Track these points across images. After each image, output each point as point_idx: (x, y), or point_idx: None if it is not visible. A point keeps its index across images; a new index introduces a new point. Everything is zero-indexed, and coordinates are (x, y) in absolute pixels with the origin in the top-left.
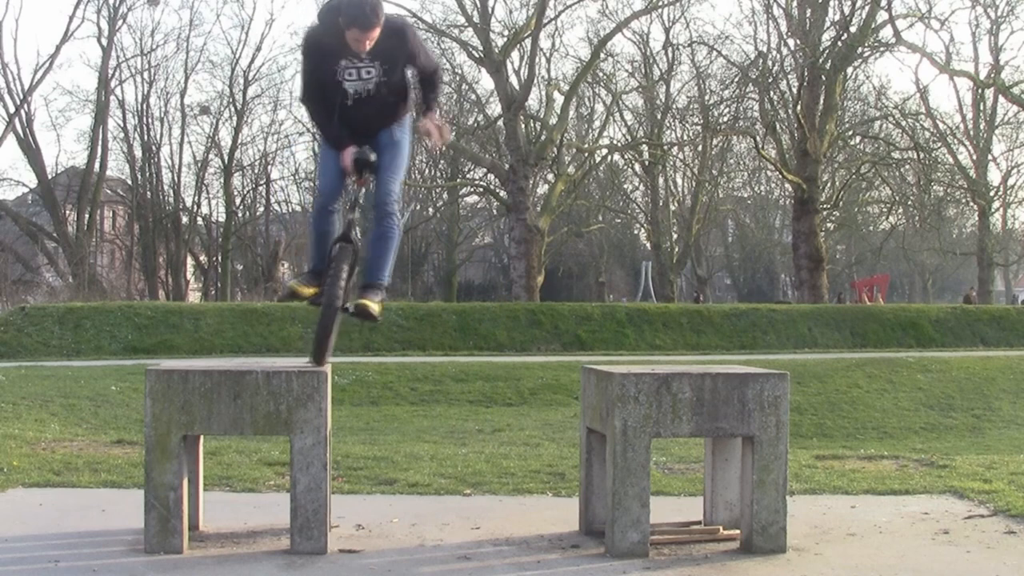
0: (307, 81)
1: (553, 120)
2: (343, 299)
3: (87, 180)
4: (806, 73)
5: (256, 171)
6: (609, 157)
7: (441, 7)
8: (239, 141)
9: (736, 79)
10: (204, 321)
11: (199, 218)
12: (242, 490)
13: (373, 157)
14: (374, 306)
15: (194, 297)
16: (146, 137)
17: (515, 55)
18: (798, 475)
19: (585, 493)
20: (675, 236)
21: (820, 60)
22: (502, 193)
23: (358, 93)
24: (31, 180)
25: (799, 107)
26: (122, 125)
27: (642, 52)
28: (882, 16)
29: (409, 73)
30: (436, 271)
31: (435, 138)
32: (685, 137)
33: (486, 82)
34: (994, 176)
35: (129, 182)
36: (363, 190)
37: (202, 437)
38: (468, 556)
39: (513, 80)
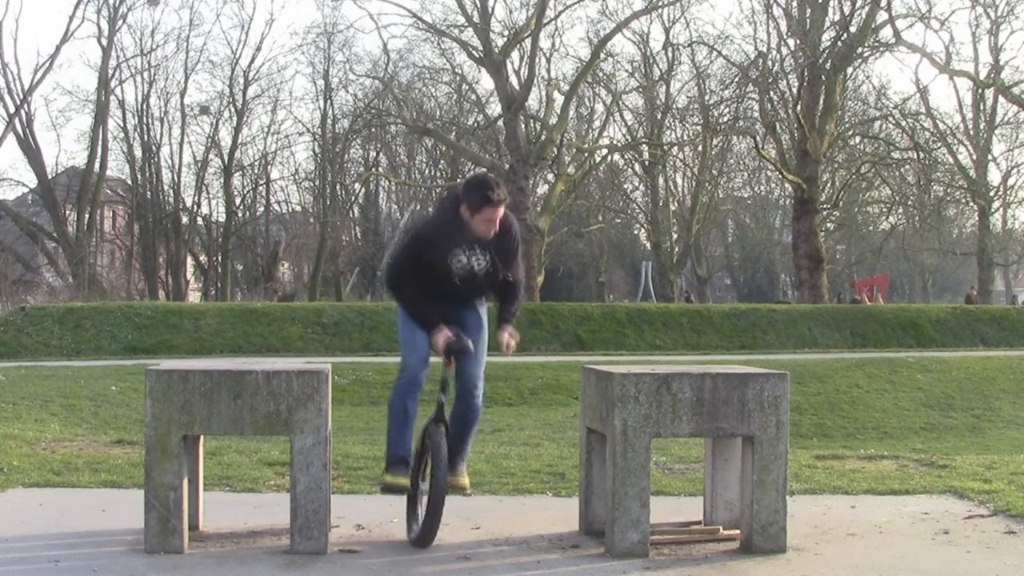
0: (410, 268)
1: (553, 120)
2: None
3: (87, 180)
4: (806, 73)
5: (256, 171)
6: (609, 157)
7: (441, 7)
8: (239, 141)
9: (736, 79)
10: (204, 321)
11: (199, 218)
12: (242, 490)
13: (470, 345)
14: (464, 481)
15: (194, 297)
16: (146, 137)
17: (515, 55)
18: (798, 475)
19: (585, 493)
20: (675, 236)
21: (820, 60)
22: None
23: (463, 274)
24: (31, 180)
25: (799, 107)
26: (122, 125)
27: (642, 52)
28: (882, 16)
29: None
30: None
31: (507, 350)
32: (685, 137)
33: (486, 82)
34: (994, 176)
35: (129, 182)
36: (450, 371)
37: (202, 437)
38: (468, 556)
39: (513, 80)
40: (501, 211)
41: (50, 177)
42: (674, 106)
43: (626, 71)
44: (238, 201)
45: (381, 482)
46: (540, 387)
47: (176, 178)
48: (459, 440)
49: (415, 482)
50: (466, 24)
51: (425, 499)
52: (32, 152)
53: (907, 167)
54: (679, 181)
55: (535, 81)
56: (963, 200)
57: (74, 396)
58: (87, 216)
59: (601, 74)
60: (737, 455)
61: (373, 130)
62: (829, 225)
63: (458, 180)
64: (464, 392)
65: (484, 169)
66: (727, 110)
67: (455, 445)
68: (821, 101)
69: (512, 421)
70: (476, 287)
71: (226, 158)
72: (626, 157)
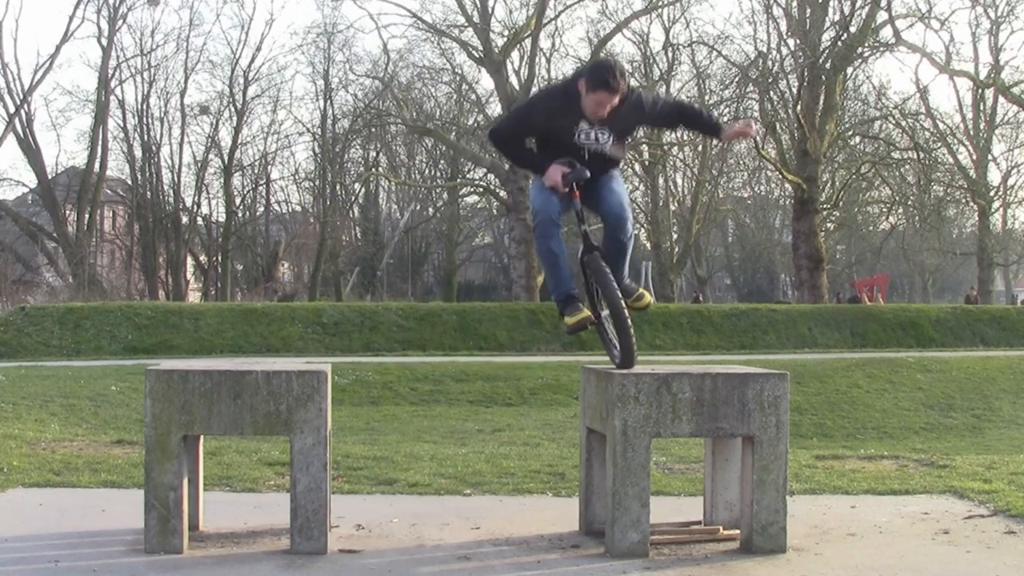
0: (528, 126)
1: None
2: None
3: (87, 180)
4: (806, 73)
5: (256, 171)
6: None
7: (441, 7)
8: (239, 141)
9: (736, 79)
10: (204, 321)
11: (199, 218)
12: (242, 490)
13: (585, 172)
14: (647, 300)
15: (194, 297)
16: (146, 137)
17: (515, 55)
18: (798, 475)
19: (585, 493)
20: (675, 236)
21: (820, 60)
22: (502, 193)
23: (590, 151)
24: (31, 180)
25: (799, 107)
26: (122, 125)
27: (642, 52)
28: (882, 16)
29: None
30: (436, 271)
31: (743, 130)
32: (685, 137)
33: (486, 82)
34: (994, 176)
35: (129, 182)
36: (579, 201)
37: (202, 437)
38: (468, 556)
39: (513, 80)
40: (615, 99)
41: (50, 177)
42: None
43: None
44: (238, 201)
45: (564, 327)
46: (540, 387)
47: (176, 178)
48: (617, 268)
49: (596, 312)
50: (466, 24)
51: (610, 324)
52: (32, 152)
53: (907, 167)
54: (679, 181)
55: (535, 81)
56: (963, 200)
57: (74, 396)
58: (87, 216)
59: None
60: (737, 455)
61: (373, 130)
62: (829, 225)
63: (458, 180)
64: (611, 224)
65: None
66: (727, 110)
67: (616, 273)
68: (821, 101)
69: (512, 421)
70: (602, 163)
71: (226, 158)
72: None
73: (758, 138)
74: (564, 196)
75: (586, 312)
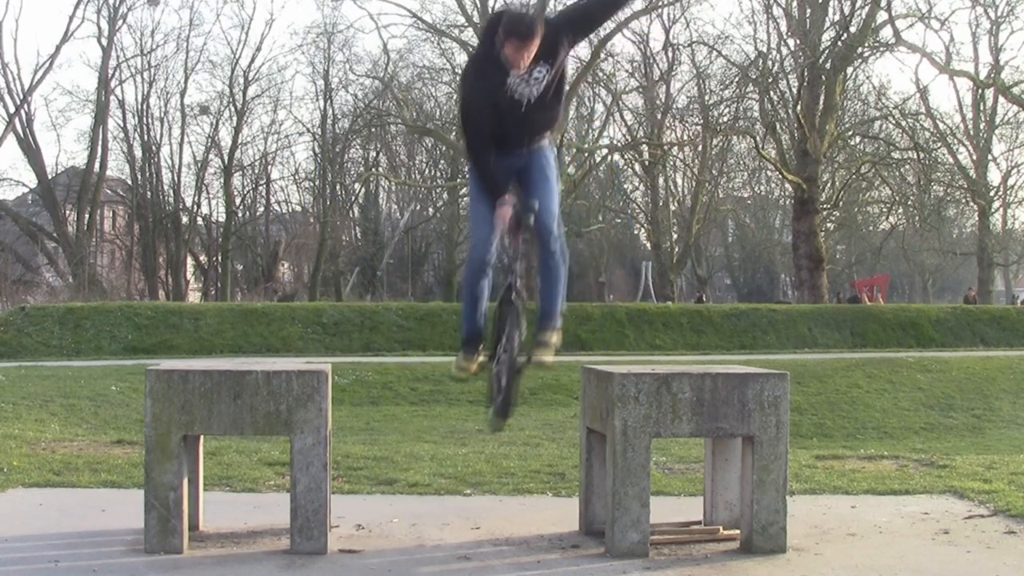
0: (475, 105)
1: None
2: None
3: (87, 180)
4: (806, 73)
5: (256, 171)
6: (609, 157)
7: (441, 7)
8: (239, 141)
9: (736, 79)
10: (204, 321)
11: (199, 218)
12: (242, 490)
13: (536, 206)
14: (550, 355)
15: (194, 297)
16: (146, 137)
17: None
18: (798, 475)
19: (585, 493)
20: (675, 236)
21: (820, 60)
22: None
23: (529, 99)
24: (31, 180)
25: (799, 107)
26: (122, 125)
27: (642, 52)
28: (882, 16)
29: (569, 67)
30: (436, 271)
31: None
32: (685, 137)
33: None
34: (994, 176)
35: (129, 182)
36: (521, 242)
37: (202, 437)
38: (468, 556)
39: None
40: (533, 47)
41: (50, 177)
42: (674, 106)
43: (626, 71)
44: (238, 201)
45: (455, 365)
46: (540, 387)
47: (176, 178)
48: (547, 294)
49: (495, 351)
50: (466, 24)
51: (505, 369)
52: (32, 152)
53: (907, 167)
54: (679, 181)
55: None
56: (963, 200)
57: (74, 396)
58: (87, 216)
59: (601, 74)
60: (737, 455)
61: (373, 130)
62: (829, 225)
63: (458, 180)
64: (541, 241)
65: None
66: (727, 110)
67: (544, 301)
68: (821, 101)
69: (512, 421)
70: (543, 113)
71: (226, 158)
72: (626, 157)
73: (758, 138)
74: (506, 233)
75: (477, 364)
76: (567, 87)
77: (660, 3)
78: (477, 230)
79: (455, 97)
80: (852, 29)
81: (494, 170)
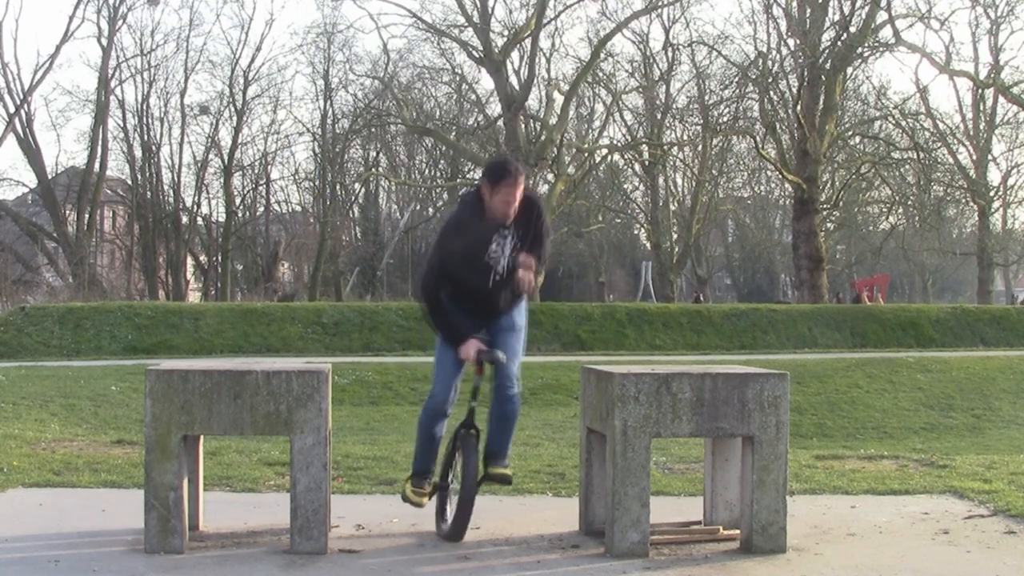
0: (448, 269)
1: (553, 120)
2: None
3: (87, 180)
4: (806, 73)
5: (256, 171)
6: (609, 157)
7: (441, 7)
8: (239, 141)
9: (736, 79)
10: (204, 321)
11: (199, 218)
12: (242, 490)
13: (501, 357)
14: (508, 472)
15: (194, 297)
16: (146, 137)
17: (515, 55)
18: (798, 475)
19: (585, 493)
20: (675, 236)
21: (820, 60)
22: None
23: (498, 273)
24: (31, 180)
25: (799, 107)
26: (122, 125)
27: (642, 52)
28: (882, 16)
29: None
30: None
31: (524, 281)
32: (685, 137)
33: (486, 82)
34: (994, 176)
35: (129, 182)
36: (482, 378)
37: (202, 437)
38: (468, 556)
39: (513, 80)
40: (519, 189)
41: (50, 177)
42: (674, 106)
43: (626, 71)
44: (238, 201)
45: (402, 491)
46: (540, 387)
47: (176, 178)
48: (499, 439)
49: (444, 483)
50: (466, 24)
51: (455, 497)
52: (32, 152)
53: (907, 167)
54: (679, 181)
55: (535, 81)
56: (963, 200)
57: (74, 396)
58: (87, 216)
59: (601, 74)
60: (737, 455)
61: (373, 130)
62: (829, 225)
63: (458, 180)
64: (498, 389)
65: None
66: (727, 110)
67: (494, 443)
68: (821, 101)
69: None
70: (511, 288)
71: (226, 158)
72: (626, 157)
73: (758, 138)
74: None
75: (424, 500)
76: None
77: (660, 3)
78: (440, 376)
79: (428, 253)
80: (852, 29)
81: (459, 323)
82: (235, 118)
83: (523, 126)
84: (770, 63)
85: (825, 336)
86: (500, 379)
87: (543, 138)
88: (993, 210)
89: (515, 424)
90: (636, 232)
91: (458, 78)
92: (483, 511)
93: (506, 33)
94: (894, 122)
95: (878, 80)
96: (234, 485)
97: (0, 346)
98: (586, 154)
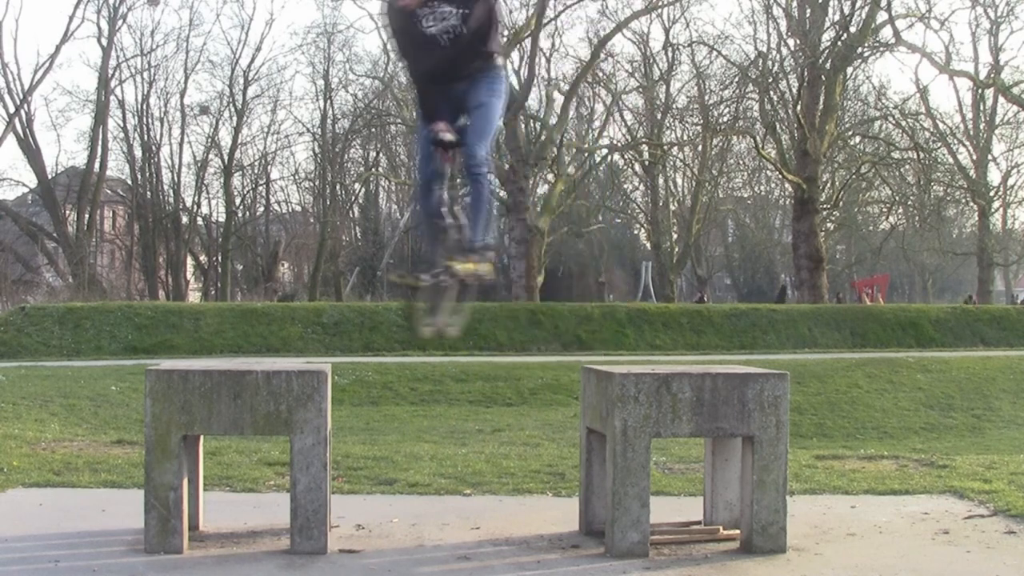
0: (397, 42)
1: (553, 120)
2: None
3: (87, 180)
4: (806, 73)
5: (256, 171)
6: (609, 157)
7: None
8: (239, 141)
9: (736, 79)
10: (204, 321)
11: (199, 218)
12: (242, 490)
13: (449, 137)
14: (475, 267)
15: (194, 297)
16: (146, 137)
17: (515, 55)
18: (798, 475)
19: (585, 493)
20: (675, 236)
21: (820, 60)
22: (502, 193)
23: (446, 33)
24: (31, 180)
25: (799, 107)
26: (122, 125)
27: (642, 52)
28: (882, 16)
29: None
30: None
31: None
32: (685, 137)
33: None
34: (994, 176)
35: (129, 182)
36: (450, 165)
37: (202, 437)
38: (468, 556)
39: (513, 80)
40: None
41: (50, 177)
42: (674, 106)
43: (626, 71)
44: (238, 201)
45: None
46: (540, 387)
47: (176, 178)
48: (472, 223)
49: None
50: None
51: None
52: (32, 152)
53: (907, 167)
54: (679, 181)
55: (535, 81)
56: (963, 200)
57: (74, 396)
58: (87, 216)
59: (601, 74)
60: (737, 455)
61: (373, 130)
62: (829, 225)
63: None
64: (464, 170)
65: None
66: (727, 110)
67: (465, 230)
68: (821, 101)
69: (512, 421)
70: (466, 47)
71: (226, 158)
72: (626, 157)
73: (758, 138)
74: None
75: (409, 280)
76: (499, 20)
77: (660, 3)
78: (419, 152)
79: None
80: (852, 29)
81: (434, 98)
82: (235, 118)
83: (523, 126)
84: (770, 63)
85: (825, 336)
86: (465, 159)
87: (543, 138)
88: (993, 210)
89: (485, 207)
90: (636, 232)
91: None
92: (483, 511)
93: (506, 33)
94: (894, 122)
95: (878, 80)
96: (234, 485)
97: (0, 346)
98: (586, 154)
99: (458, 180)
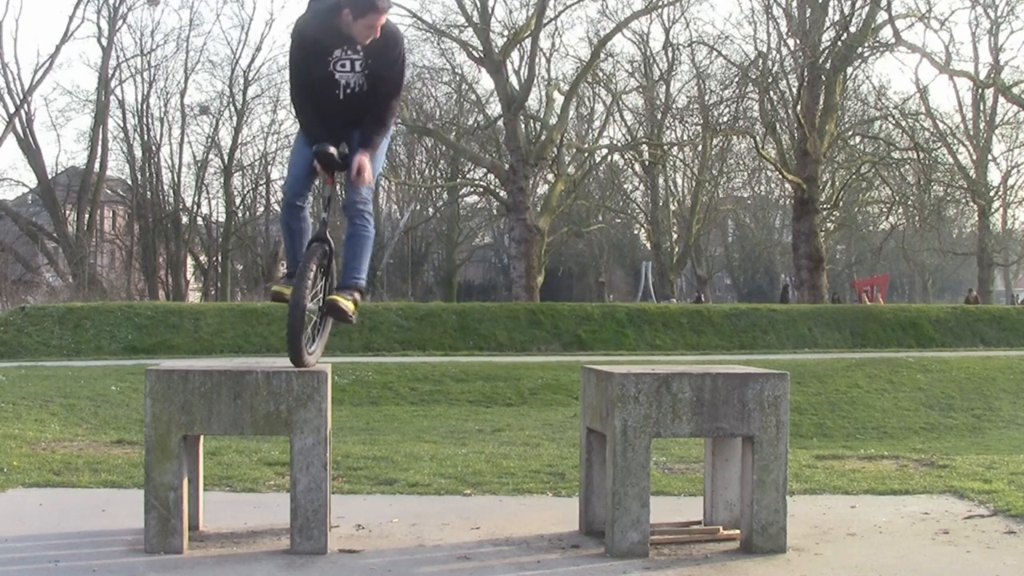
0: (296, 72)
1: (553, 120)
2: (319, 298)
3: (87, 180)
4: (806, 73)
5: (256, 171)
6: (609, 157)
7: (441, 7)
8: (239, 141)
9: (736, 79)
10: (204, 321)
11: (199, 218)
12: (242, 490)
13: (333, 151)
14: (344, 303)
15: (194, 297)
16: (146, 137)
17: (515, 55)
18: (798, 475)
19: (585, 493)
20: (675, 236)
21: (820, 60)
22: (502, 193)
23: (349, 86)
24: (31, 180)
25: (799, 107)
26: (122, 125)
27: (642, 52)
28: (882, 16)
29: (399, 76)
30: (436, 271)
31: (355, 177)
32: (685, 137)
33: (486, 82)
34: (994, 176)
35: (129, 182)
36: (334, 188)
37: (202, 437)
38: (468, 556)
39: (513, 80)
40: (382, 19)
41: (50, 177)
42: (674, 106)
43: (626, 71)
44: (238, 201)
45: (270, 292)
46: (540, 387)
47: (176, 178)
48: (349, 261)
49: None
50: (466, 24)
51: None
52: (32, 152)
53: (907, 167)
54: (679, 181)
55: (535, 81)
56: (963, 200)
57: (74, 396)
58: (87, 216)
59: (601, 74)
60: (737, 455)
61: None
62: (829, 225)
63: (458, 180)
64: (345, 208)
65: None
66: (727, 110)
67: (345, 266)
68: (821, 101)
69: (512, 421)
70: (367, 105)
71: (226, 158)
72: (626, 157)
73: (758, 138)
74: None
75: (288, 291)
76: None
77: (660, 3)
78: (290, 170)
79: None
80: (852, 29)
81: (317, 120)
82: (235, 118)
83: (523, 126)
84: (770, 63)
85: (825, 336)
86: (348, 195)
87: (543, 138)
88: (993, 210)
89: (365, 246)
90: (636, 232)
91: (458, 78)
92: (483, 511)
93: (506, 33)
94: (894, 122)
95: (878, 80)
96: (234, 485)
97: (0, 346)
98: (586, 154)
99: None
